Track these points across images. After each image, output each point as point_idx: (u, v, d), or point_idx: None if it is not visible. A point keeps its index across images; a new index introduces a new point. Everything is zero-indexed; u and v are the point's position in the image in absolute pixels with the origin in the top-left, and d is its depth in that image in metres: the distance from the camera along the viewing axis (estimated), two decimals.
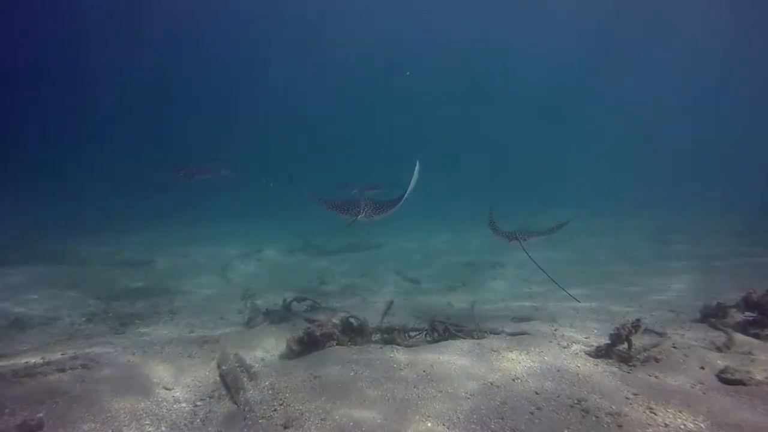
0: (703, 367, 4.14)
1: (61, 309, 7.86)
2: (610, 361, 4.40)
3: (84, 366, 4.34)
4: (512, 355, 4.49)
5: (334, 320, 5.77)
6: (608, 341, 4.59)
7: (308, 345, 5.27)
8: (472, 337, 5.26)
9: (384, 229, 14.94)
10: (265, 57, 46.32)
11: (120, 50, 40.95)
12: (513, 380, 4.00)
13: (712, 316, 5.54)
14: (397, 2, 41.56)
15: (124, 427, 3.62)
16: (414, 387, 3.97)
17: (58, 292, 8.92)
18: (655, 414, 3.41)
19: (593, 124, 47.07)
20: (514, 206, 19.11)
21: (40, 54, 40.39)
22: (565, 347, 4.72)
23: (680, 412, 3.42)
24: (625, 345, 4.46)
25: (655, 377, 4.00)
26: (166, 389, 4.43)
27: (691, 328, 5.45)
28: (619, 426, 3.26)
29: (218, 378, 4.71)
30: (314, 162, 30.71)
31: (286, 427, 3.51)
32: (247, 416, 3.72)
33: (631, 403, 3.59)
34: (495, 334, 5.28)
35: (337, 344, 5.28)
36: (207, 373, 4.88)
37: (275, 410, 3.77)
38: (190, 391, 4.45)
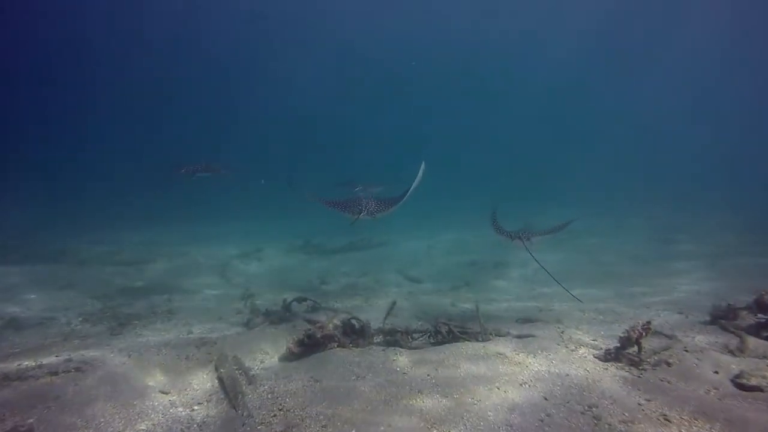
0: (717, 372, 4.00)
1: (58, 309, 7.72)
2: (620, 364, 4.27)
3: (78, 369, 4.21)
4: (519, 359, 4.36)
5: (335, 321, 5.64)
6: (617, 344, 4.46)
7: (309, 347, 5.14)
8: (477, 340, 5.13)
9: (385, 229, 14.82)
10: (265, 57, 46.24)
11: (120, 50, 40.88)
12: (521, 385, 3.87)
13: (722, 318, 5.40)
14: (400, 2, 41.45)
15: None
16: (418, 392, 3.83)
17: (56, 292, 8.79)
18: (670, 421, 3.28)
19: (595, 123, 46.96)
20: (515, 206, 18.92)
21: (40, 54, 40.31)
22: (572, 350, 4.59)
23: (696, 419, 3.29)
24: (635, 348, 4.33)
25: (668, 382, 3.86)
26: (163, 393, 4.30)
27: (700, 330, 5.31)
28: None
29: (216, 381, 4.59)
30: (314, 161, 30.61)
31: None
32: (246, 422, 3.60)
33: (643, 410, 3.46)
34: (500, 336, 5.14)
35: (338, 346, 5.15)
36: (205, 376, 4.75)
37: (275, 416, 3.65)
38: (187, 394, 4.33)
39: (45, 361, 4.55)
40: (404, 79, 46.72)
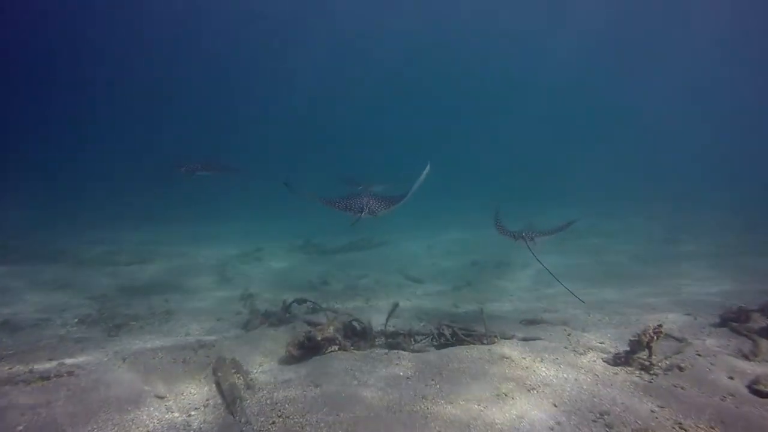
0: (732, 377, 3.86)
1: (54, 310, 7.59)
2: (630, 369, 4.14)
3: (70, 373, 4.08)
4: (526, 363, 4.22)
5: (336, 324, 5.51)
6: (627, 348, 4.33)
7: (309, 350, 5.02)
8: (482, 343, 4.99)
9: (386, 228, 14.69)
10: (265, 56, 46.14)
11: (120, 50, 40.80)
12: (529, 391, 3.73)
13: (733, 320, 5.26)
14: (401, 1, 41.32)
15: None
16: (422, 398, 3.70)
17: (53, 293, 8.66)
18: (686, 430, 3.14)
19: (595, 123, 46.81)
20: (516, 206, 18.84)
21: (39, 54, 40.24)
22: (581, 354, 4.45)
23: (713, 429, 3.15)
24: (646, 352, 4.19)
25: (681, 388, 3.73)
26: (158, 398, 4.18)
27: (711, 333, 5.17)
28: None
29: (214, 386, 4.46)
30: (315, 161, 30.48)
31: None
32: (244, 429, 3.47)
33: (657, 418, 3.33)
34: (506, 339, 5.00)
35: (339, 349, 5.03)
36: (202, 380, 4.63)
37: (273, 423, 3.52)
38: (183, 399, 4.20)
39: (37, 364, 4.42)
40: (405, 79, 46.61)
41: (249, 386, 4.36)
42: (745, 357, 4.27)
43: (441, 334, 5.26)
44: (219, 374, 4.61)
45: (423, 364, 4.34)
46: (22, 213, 17.28)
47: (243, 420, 3.62)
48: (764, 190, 20.92)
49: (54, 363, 4.50)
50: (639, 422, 3.25)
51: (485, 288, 9.72)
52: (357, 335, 5.40)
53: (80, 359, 4.60)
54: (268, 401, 3.89)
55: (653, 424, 3.23)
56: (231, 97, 46.08)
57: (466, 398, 3.67)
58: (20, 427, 3.33)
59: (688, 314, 6.27)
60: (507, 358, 4.33)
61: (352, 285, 9.89)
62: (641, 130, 44.57)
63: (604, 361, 4.29)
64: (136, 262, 11.27)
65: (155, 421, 3.72)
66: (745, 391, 3.67)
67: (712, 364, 4.09)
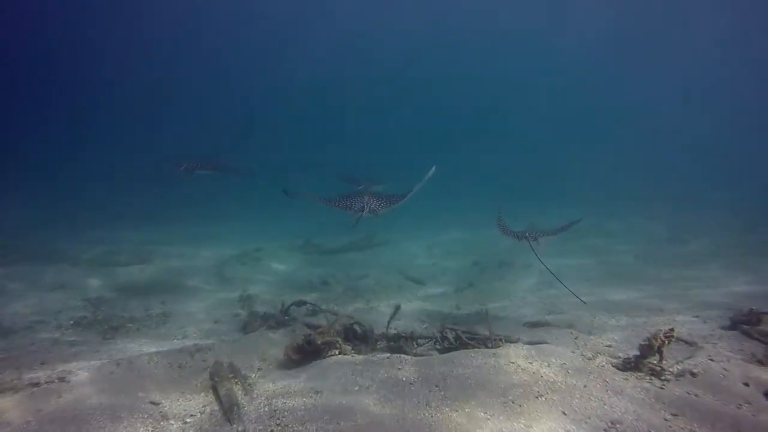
0: (747, 384, 3.72)
1: (49, 312, 7.47)
2: (640, 374, 4.00)
3: (61, 379, 3.94)
4: (533, 368, 4.08)
5: (337, 326, 5.38)
6: (637, 352, 4.19)
7: (308, 354, 4.88)
8: (486, 346, 4.85)
9: (386, 228, 14.56)
10: (265, 56, 46.02)
11: (120, 49, 40.70)
12: (536, 398, 3.60)
13: (744, 323, 5.11)
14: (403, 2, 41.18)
15: None
16: (426, 405, 3.56)
17: (49, 294, 8.53)
18: None
19: (595, 123, 46.64)
20: (517, 205, 18.70)
21: (39, 54, 40.14)
22: (589, 358, 4.31)
23: None
24: (656, 356, 4.05)
25: (695, 395, 3.59)
26: (153, 404, 4.04)
27: (721, 336, 5.03)
28: None
29: (211, 391, 4.33)
30: (316, 160, 30.32)
31: None
32: None
33: (671, 426, 3.19)
34: (511, 342, 4.87)
35: (339, 353, 4.89)
36: (198, 385, 4.49)
37: (272, 431, 3.38)
38: (179, 405, 4.07)
39: (27, 369, 4.29)
40: (405, 79, 46.47)
41: (247, 392, 4.23)
42: (760, 362, 4.13)
43: (444, 338, 5.13)
44: (216, 379, 4.48)
45: (426, 369, 4.20)
46: (20, 213, 17.13)
47: (240, 428, 3.49)
48: (765, 190, 20.77)
49: (45, 368, 4.37)
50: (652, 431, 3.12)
51: (487, 289, 9.59)
52: (358, 338, 5.27)
53: (73, 364, 4.47)
54: (266, 408, 3.76)
55: None
56: (231, 96, 45.95)
57: (472, 405, 3.53)
58: None
59: (696, 316, 6.14)
60: (513, 363, 4.19)
61: (353, 286, 9.76)
62: (641, 130, 44.42)
63: (613, 366, 4.15)
64: (134, 262, 11.13)
65: (149, 428, 3.60)
66: (762, 398, 3.53)
67: (725, 369, 3.95)
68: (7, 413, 3.49)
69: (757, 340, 4.69)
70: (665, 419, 3.29)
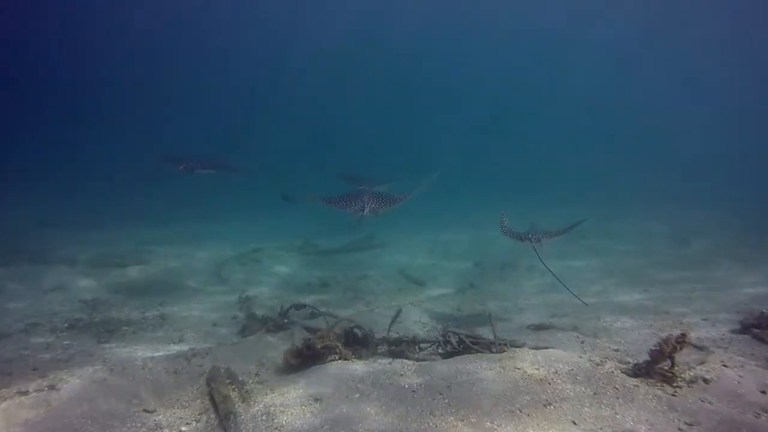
0: (764, 392, 3.57)
1: (44, 314, 7.32)
2: (651, 381, 3.86)
3: (51, 387, 3.80)
4: (540, 375, 3.95)
5: (336, 330, 5.25)
6: (647, 357, 4.05)
7: (307, 359, 4.75)
8: (490, 351, 4.72)
9: (387, 228, 14.43)
10: (265, 56, 45.86)
11: (120, 50, 40.56)
12: (545, 407, 3.46)
13: (755, 326, 4.98)
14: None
15: None
16: (430, 414, 3.43)
17: (45, 295, 8.39)
18: None
19: (594, 123, 46.52)
20: (519, 205, 18.60)
21: (39, 54, 40.02)
22: (598, 364, 4.17)
23: None
24: (667, 362, 3.92)
25: (709, 403, 3.45)
26: (147, 412, 3.91)
27: (732, 340, 4.90)
28: None
29: (207, 398, 4.19)
30: (317, 160, 30.16)
31: None
32: None
33: None
34: (516, 347, 4.73)
35: (339, 358, 4.76)
36: (195, 392, 4.37)
37: None
38: (174, 413, 3.94)
39: (17, 376, 4.15)
40: (407, 79, 46.39)
41: (244, 399, 4.09)
42: None
43: (447, 342, 4.99)
44: (212, 386, 4.34)
45: (429, 376, 4.07)
46: (18, 212, 16.96)
47: None
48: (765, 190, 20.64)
49: (36, 374, 4.22)
50: None
51: (489, 290, 9.47)
52: (358, 342, 5.13)
53: (65, 370, 4.32)
54: (263, 417, 3.62)
55: None
56: (231, 96, 45.75)
57: (478, 415, 3.39)
58: None
59: (705, 319, 6.02)
60: (519, 369, 4.06)
61: (353, 287, 9.63)
62: (641, 130, 44.28)
63: (622, 372, 4.02)
64: (132, 263, 10.97)
65: None
66: None
67: (740, 376, 3.81)
68: None
69: None
70: (680, 429, 3.15)
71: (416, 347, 5.12)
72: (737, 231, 13.86)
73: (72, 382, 3.96)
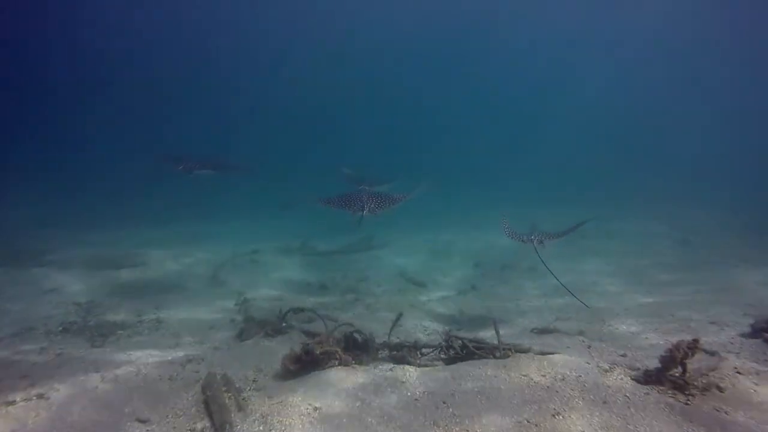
0: None
1: (38, 318, 7.16)
2: (662, 388, 3.73)
3: (40, 396, 3.65)
4: (547, 382, 3.81)
5: (336, 335, 5.12)
6: (656, 363, 3.92)
7: (306, 364, 4.62)
8: (494, 356, 4.58)
9: (387, 228, 14.30)
10: (265, 56, 45.72)
11: (120, 50, 40.41)
12: (553, 416, 3.33)
13: (766, 330, 4.85)
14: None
15: None
16: (434, 425, 3.29)
17: (39, 298, 8.23)
18: None
19: (594, 122, 46.42)
20: (520, 205, 18.49)
21: (39, 54, 39.89)
22: (606, 371, 4.04)
23: None
24: (679, 369, 3.78)
25: (725, 413, 3.32)
26: (140, 421, 3.77)
27: (743, 345, 4.77)
28: None
29: (202, 406, 4.06)
30: (316, 160, 30.03)
31: None
32: None
33: None
34: (521, 352, 4.59)
35: (339, 364, 4.62)
36: (190, 399, 4.23)
37: None
38: (168, 423, 3.80)
39: (5, 384, 4.00)
40: (408, 78, 46.28)
41: (240, 407, 3.95)
42: None
43: (450, 347, 4.86)
44: (208, 393, 4.21)
45: (433, 383, 3.93)
46: (18, 213, 16.79)
47: None
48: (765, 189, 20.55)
49: (25, 382, 4.08)
50: None
51: (490, 292, 9.33)
52: (358, 348, 5.00)
53: (55, 378, 4.18)
54: (260, 426, 3.49)
55: None
56: (231, 96, 45.59)
57: (484, 426, 3.26)
58: None
59: (713, 322, 5.88)
60: (525, 376, 3.92)
61: (352, 289, 9.49)
62: (641, 130, 44.18)
63: (632, 379, 3.88)
64: (129, 265, 10.82)
65: None
66: None
67: (756, 384, 3.68)
68: None
69: None
70: None
71: (418, 352, 4.99)
72: (737, 231, 13.76)
73: (62, 391, 3.82)
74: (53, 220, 16.25)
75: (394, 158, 31.62)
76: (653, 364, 4.22)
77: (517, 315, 7.64)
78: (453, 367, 4.35)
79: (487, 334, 5.92)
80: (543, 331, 6.16)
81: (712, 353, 4.48)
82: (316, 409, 3.68)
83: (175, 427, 3.73)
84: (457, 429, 3.24)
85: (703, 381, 3.75)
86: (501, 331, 4.88)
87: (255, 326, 6.29)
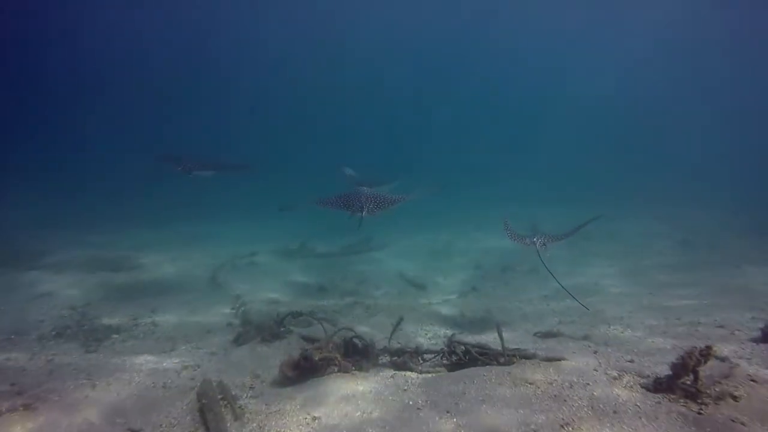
0: None
1: (31, 321, 7.03)
2: (674, 397, 3.59)
3: (27, 406, 3.51)
4: (554, 391, 3.68)
5: (336, 340, 4.97)
6: (666, 369, 3.79)
7: (305, 371, 4.49)
8: (498, 362, 4.45)
9: (386, 229, 14.18)
10: (264, 55, 45.61)
11: (120, 50, 40.32)
12: (562, 427, 3.19)
13: None
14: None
15: None
16: None
17: (32, 301, 8.08)
18: None
19: (597, 122, 46.35)
20: (519, 205, 18.37)
21: (38, 54, 39.77)
22: (615, 378, 3.91)
23: None
24: (691, 377, 3.65)
25: (741, 424, 3.18)
26: (132, 431, 3.63)
27: (754, 351, 4.63)
28: None
29: (198, 414, 3.92)
30: (313, 159, 29.90)
31: None
32: None
33: None
34: (526, 358, 4.46)
35: (339, 370, 4.49)
36: (184, 408, 4.09)
37: None
38: None
39: None
40: (410, 79, 46.23)
41: (237, 417, 3.82)
42: None
43: (452, 352, 4.72)
44: (204, 401, 4.07)
45: (435, 391, 3.79)
46: (17, 213, 16.61)
47: None
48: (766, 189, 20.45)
49: (13, 390, 3.94)
50: None
51: (491, 294, 9.21)
52: (358, 353, 4.86)
53: (44, 386, 4.04)
54: None
55: None
56: (231, 96, 45.43)
57: None
58: None
59: (721, 326, 5.75)
60: (531, 384, 3.79)
61: (351, 291, 9.36)
62: (640, 130, 44.08)
63: (642, 387, 3.75)
64: (125, 267, 10.67)
65: None
66: None
67: None
68: None
69: None
70: None
71: (420, 358, 4.85)
72: (738, 231, 13.65)
73: (50, 400, 3.68)
74: (53, 221, 16.09)
75: (394, 158, 31.52)
76: (662, 370, 4.10)
77: (519, 318, 7.52)
78: (456, 374, 4.22)
79: (489, 338, 5.79)
80: (546, 335, 6.03)
81: (722, 359, 4.35)
82: (315, 419, 3.54)
83: None
84: None
85: (716, 389, 3.61)
86: (503, 335, 4.75)
87: (253, 331, 6.14)
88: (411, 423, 3.36)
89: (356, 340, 4.92)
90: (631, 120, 45.11)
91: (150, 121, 40.04)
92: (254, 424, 3.61)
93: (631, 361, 4.65)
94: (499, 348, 4.60)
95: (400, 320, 5.46)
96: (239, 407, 4.01)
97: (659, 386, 3.72)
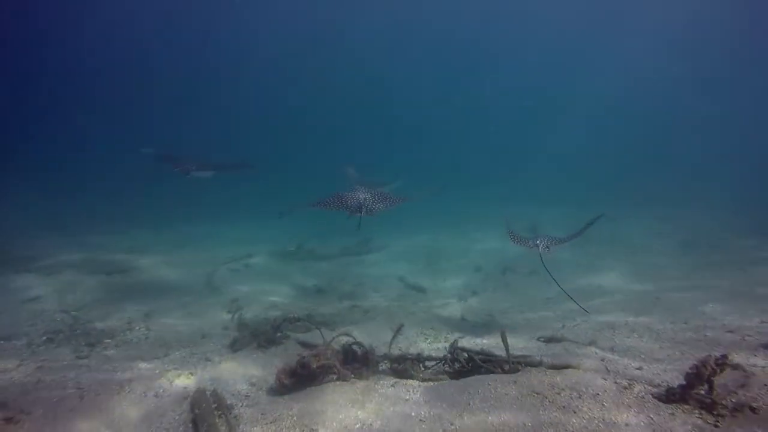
0: None
1: (21, 326, 6.86)
2: (688, 407, 3.43)
3: (9, 420, 3.34)
4: (562, 401, 3.52)
5: (334, 346, 4.81)
6: (679, 378, 3.64)
7: (302, 379, 4.33)
8: (503, 370, 4.29)
9: (385, 229, 14.03)
10: (264, 55, 45.42)
11: (120, 50, 40.16)
12: None
13: None
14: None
15: None
16: None
17: (22, 306, 7.91)
18: None
19: (592, 122, 46.26)
20: (520, 205, 18.26)
21: (38, 54, 39.63)
22: (625, 388, 3.75)
23: None
24: (705, 386, 3.49)
25: None
26: None
27: (767, 358, 4.48)
28: None
29: (190, 425, 3.76)
30: (313, 159, 29.74)
31: None
32: None
33: None
34: (531, 365, 4.30)
35: (337, 378, 4.33)
36: (177, 418, 3.93)
37: None
38: None
39: None
40: (410, 78, 46.09)
41: (231, 427, 3.66)
42: None
43: (455, 359, 4.56)
44: (197, 411, 3.91)
45: (439, 401, 3.64)
46: (17, 213, 16.41)
47: None
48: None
49: None
50: None
51: (492, 297, 9.07)
52: (358, 360, 4.70)
53: (30, 395, 3.87)
54: None
55: None
56: (231, 95, 45.26)
57: None
58: None
59: (730, 331, 5.59)
60: (538, 393, 3.63)
61: (349, 294, 9.20)
62: (641, 130, 43.99)
63: (654, 397, 3.59)
64: (120, 270, 10.49)
65: None
66: None
67: None
68: None
69: None
70: None
71: (421, 365, 4.69)
72: (738, 231, 13.51)
73: (36, 413, 3.51)
74: (52, 221, 15.90)
75: (394, 158, 31.40)
76: (672, 377, 3.96)
77: (521, 321, 7.36)
78: (459, 382, 4.06)
79: (492, 342, 5.64)
80: (550, 340, 5.87)
81: (735, 366, 4.19)
82: (312, 431, 3.38)
83: None
84: None
85: (732, 400, 3.45)
86: (510, 340, 4.58)
87: (249, 336, 5.99)
88: None
89: (355, 347, 4.76)
90: (630, 120, 45.03)
91: (150, 121, 39.88)
92: None
93: (640, 369, 4.49)
94: (503, 354, 4.44)
95: (401, 327, 5.30)
96: (234, 417, 3.86)
97: (672, 396, 3.57)
